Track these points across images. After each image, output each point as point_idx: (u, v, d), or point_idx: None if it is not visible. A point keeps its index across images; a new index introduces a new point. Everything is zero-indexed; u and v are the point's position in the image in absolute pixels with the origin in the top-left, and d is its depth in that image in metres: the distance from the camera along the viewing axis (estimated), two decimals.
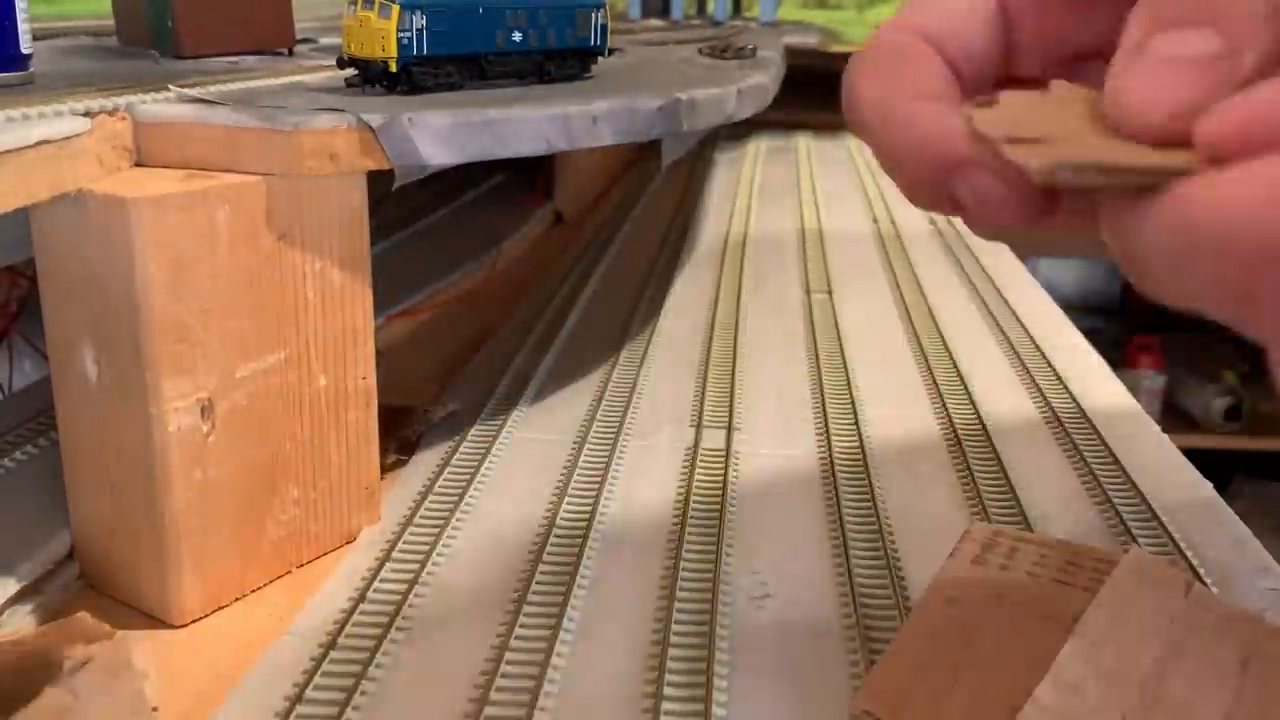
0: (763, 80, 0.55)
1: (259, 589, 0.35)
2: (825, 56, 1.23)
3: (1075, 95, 0.20)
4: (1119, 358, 1.65)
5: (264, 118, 0.32)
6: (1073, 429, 0.47)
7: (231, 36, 0.50)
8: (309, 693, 0.30)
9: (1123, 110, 0.18)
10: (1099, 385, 0.53)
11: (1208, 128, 0.16)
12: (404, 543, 0.37)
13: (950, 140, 0.21)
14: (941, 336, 0.59)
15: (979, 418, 0.48)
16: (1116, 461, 0.44)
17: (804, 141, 1.26)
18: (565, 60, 0.44)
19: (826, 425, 0.47)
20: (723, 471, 0.43)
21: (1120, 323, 1.78)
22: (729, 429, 0.47)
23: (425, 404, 0.47)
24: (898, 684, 0.29)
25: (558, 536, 0.38)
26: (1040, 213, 0.21)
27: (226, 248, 0.31)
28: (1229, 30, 0.17)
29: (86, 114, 0.32)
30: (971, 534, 0.36)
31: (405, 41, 0.37)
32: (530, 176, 0.84)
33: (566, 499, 0.40)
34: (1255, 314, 0.16)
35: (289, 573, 0.36)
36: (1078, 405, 0.50)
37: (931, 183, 0.21)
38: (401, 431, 0.45)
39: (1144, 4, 0.18)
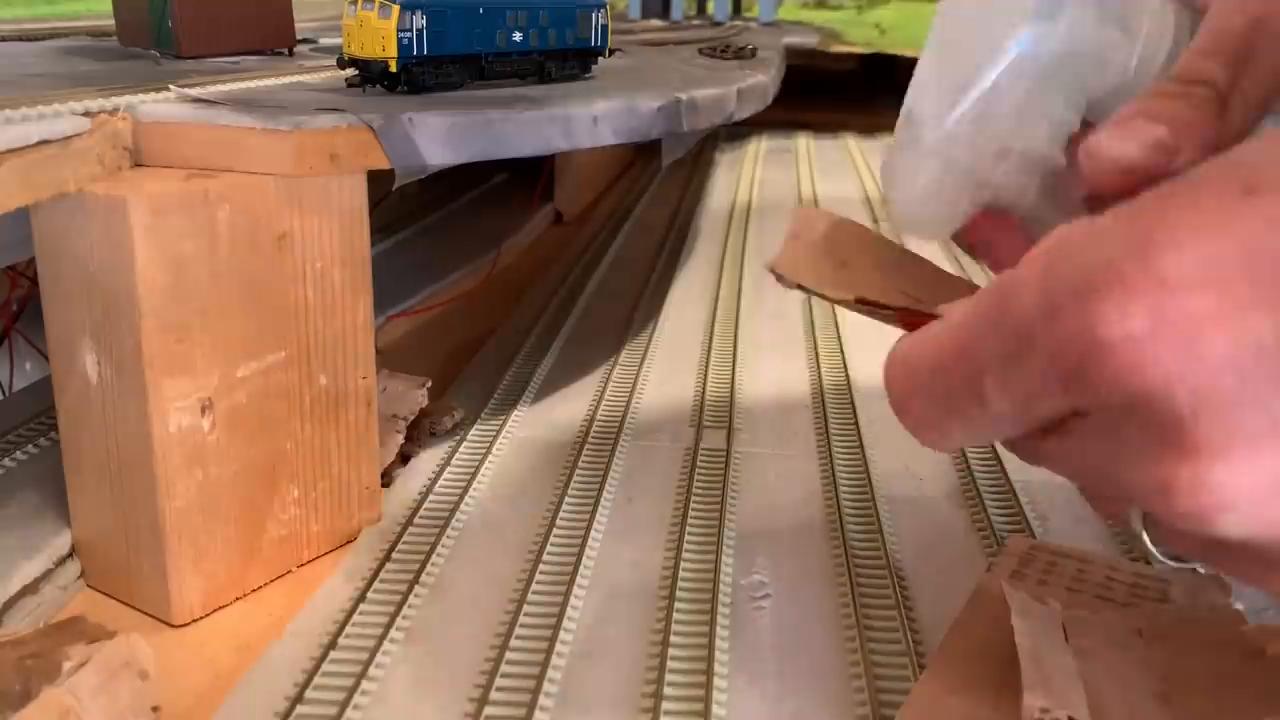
0: (763, 80, 0.55)
1: (259, 589, 0.35)
2: (825, 56, 1.23)
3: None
4: None
5: (264, 118, 0.32)
6: None
7: (231, 36, 0.50)
8: (309, 693, 0.30)
9: (1090, 156, 0.23)
10: None
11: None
12: (404, 543, 0.37)
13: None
14: None
15: None
16: None
17: (804, 141, 1.26)
18: (566, 60, 0.44)
19: (826, 425, 0.47)
20: (723, 471, 0.43)
21: None
22: (729, 429, 0.47)
23: (430, 414, 0.47)
24: (938, 704, 0.28)
25: (558, 536, 0.38)
26: None
27: (226, 248, 0.31)
28: (1175, 129, 0.23)
29: (86, 114, 0.32)
30: (1008, 548, 0.35)
31: (405, 41, 0.37)
32: (530, 176, 0.84)
33: (566, 499, 0.40)
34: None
35: (289, 573, 0.36)
36: None
37: None
38: (411, 437, 0.45)
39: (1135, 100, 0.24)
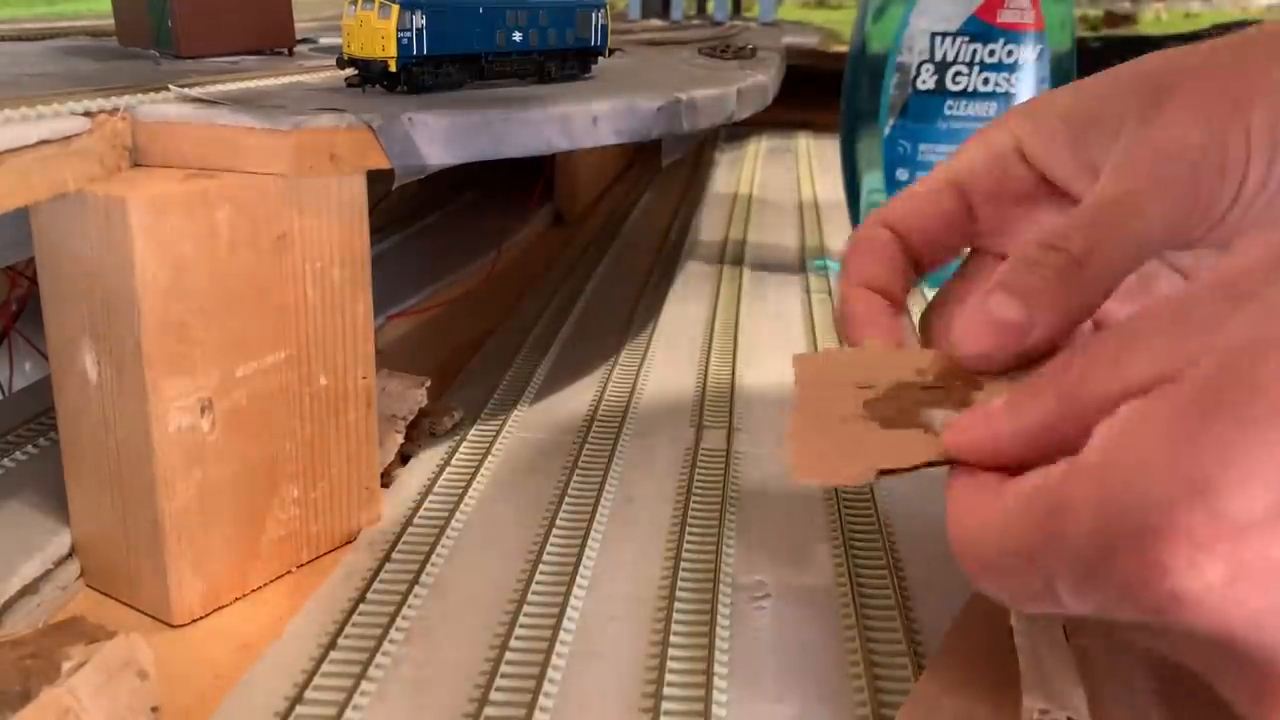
0: (763, 80, 0.55)
1: (259, 589, 0.35)
2: (825, 56, 1.23)
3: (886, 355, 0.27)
4: None
5: (264, 118, 0.32)
6: None
7: (231, 36, 0.50)
8: (309, 693, 0.30)
9: (955, 341, 0.25)
10: None
11: (949, 439, 0.23)
12: (404, 543, 0.37)
13: (856, 323, 0.29)
14: None
15: None
16: None
17: (804, 141, 1.26)
18: (565, 60, 0.44)
19: None
20: (723, 471, 0.43)
21: None
22: (729, 429, 0.47)
23: (430, 414, 0.47)
24: (938, 705, 0.28)
25: (557, 536, 0.38)
26: None
27: (226, 248, 0.31)
28: (1031, 304, 0.23)
29: (86, 114, 0.32)
30: None
31: (405, 41, 0.37)
32: (530, 176, 0.84)
33: (566, 499, 0.40)
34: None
35: (289, 573, 0.36)
36: None
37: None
38: (411, 437, 0.45)
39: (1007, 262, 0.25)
